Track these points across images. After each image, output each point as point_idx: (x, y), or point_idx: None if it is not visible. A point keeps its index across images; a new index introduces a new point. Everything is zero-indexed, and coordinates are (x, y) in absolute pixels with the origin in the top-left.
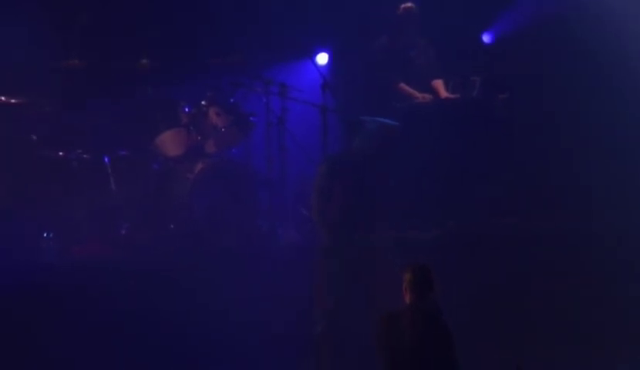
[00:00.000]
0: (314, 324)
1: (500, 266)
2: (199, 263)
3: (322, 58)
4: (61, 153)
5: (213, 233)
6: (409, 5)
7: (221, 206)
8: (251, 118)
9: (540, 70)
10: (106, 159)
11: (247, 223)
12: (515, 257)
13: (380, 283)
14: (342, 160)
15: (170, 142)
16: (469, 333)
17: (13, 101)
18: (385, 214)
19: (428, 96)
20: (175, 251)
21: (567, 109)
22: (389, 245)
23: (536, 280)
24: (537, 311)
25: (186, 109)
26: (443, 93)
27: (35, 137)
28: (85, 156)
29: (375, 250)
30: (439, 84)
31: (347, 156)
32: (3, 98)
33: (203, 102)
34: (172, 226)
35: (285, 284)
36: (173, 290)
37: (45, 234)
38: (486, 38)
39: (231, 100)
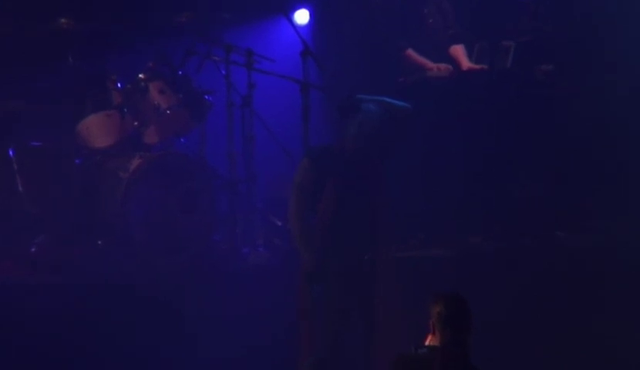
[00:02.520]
0: None
1: (541, 297)
2: (135, 292)
3: (302, 17)
4: None
5: (155, 252)
6: None
7: (166, 216)
8: (207, 97)
9: (598, 34)
10: (11, 153)
11: (201, 239)
12: (560, 286)
13: (384, 318)
14: (332, 154)
15: (97, 130)
16: None
17: None
18: (389, 226)
19: (445, 67)
20: (103, 276)
21: (633, 87)
22: (394, 268)
23: (585, 314)
24: (584, 351)
25: (119, 85)
26: (465, 63)
27: None
28: None
29: (378, 274)
30: (459, 51)
31: (338, 149)
32: None
33: (141, 76)
34: (99, 242)
35: (253, 323)
36: (98, 327)
37: None
38: None
39: (180, 72)
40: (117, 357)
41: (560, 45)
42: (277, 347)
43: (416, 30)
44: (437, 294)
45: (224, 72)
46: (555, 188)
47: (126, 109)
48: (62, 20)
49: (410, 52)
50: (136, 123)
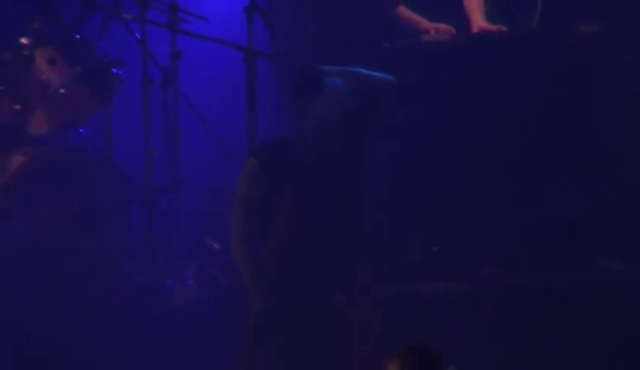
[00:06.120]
0: None
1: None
2: (16, 347)
3: None
4: None
5: (41, 288)
6: None
7: (57, 235)
8: (115, 70)
9: None
10: None
11: (105, 268)
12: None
13: None
14: (289, 151)
15: None
16: None
17: None
18: (369, 250)
19: (445, 28)
20: None
21: None
22: (377, 306)
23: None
24: None
25: None
26: (478, 22)
27: None
28: None
29: (353, 316)
30: (474, 4)
31: (296, 144)
32: None
33: (23, 41)
34: None
35: None
36: None
37: None
38: None
39: (77, 36)
40: None
41: None
42: None
43: None
44: (397, 349)
45: (138, 35)
46: (605, 198)
47: (2, 87)
48: None
49: (402, 8)
50: (17, 107)
